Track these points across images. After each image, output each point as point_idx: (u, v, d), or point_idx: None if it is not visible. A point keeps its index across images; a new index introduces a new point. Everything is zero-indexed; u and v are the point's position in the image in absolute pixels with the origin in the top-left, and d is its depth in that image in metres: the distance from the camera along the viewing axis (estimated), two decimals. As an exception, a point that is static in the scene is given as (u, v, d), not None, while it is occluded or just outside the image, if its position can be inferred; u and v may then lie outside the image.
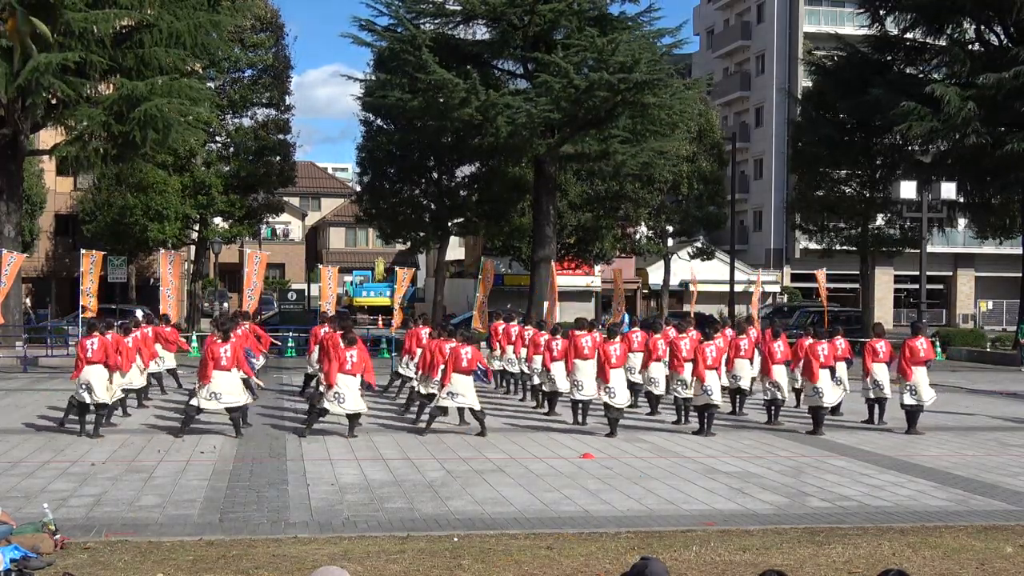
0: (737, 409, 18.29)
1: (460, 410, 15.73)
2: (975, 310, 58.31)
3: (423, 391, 16.50)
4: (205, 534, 9.04)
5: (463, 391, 15.12)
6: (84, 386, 14.51)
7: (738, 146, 54.04)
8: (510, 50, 32.03)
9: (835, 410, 17.69)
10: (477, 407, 15.34)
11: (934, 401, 16.72)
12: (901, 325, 54.19)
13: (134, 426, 15.72)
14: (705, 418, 15.85)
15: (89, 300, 25.75)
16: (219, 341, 14.69)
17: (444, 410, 15.47)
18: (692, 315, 27.63)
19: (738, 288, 43.26)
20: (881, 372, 16.95)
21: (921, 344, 16.63)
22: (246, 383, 16.61)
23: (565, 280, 40.30)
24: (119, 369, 15.12)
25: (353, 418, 15.03)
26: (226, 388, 14.57)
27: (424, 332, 18.26)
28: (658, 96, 30.05)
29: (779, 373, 17.04)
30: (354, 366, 14.81)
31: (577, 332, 16.61)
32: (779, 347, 17.30)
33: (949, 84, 34.29)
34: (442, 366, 15.50)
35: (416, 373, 17.32)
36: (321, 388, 15.46)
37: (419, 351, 17.29)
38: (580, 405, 16.54)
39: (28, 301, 39.98)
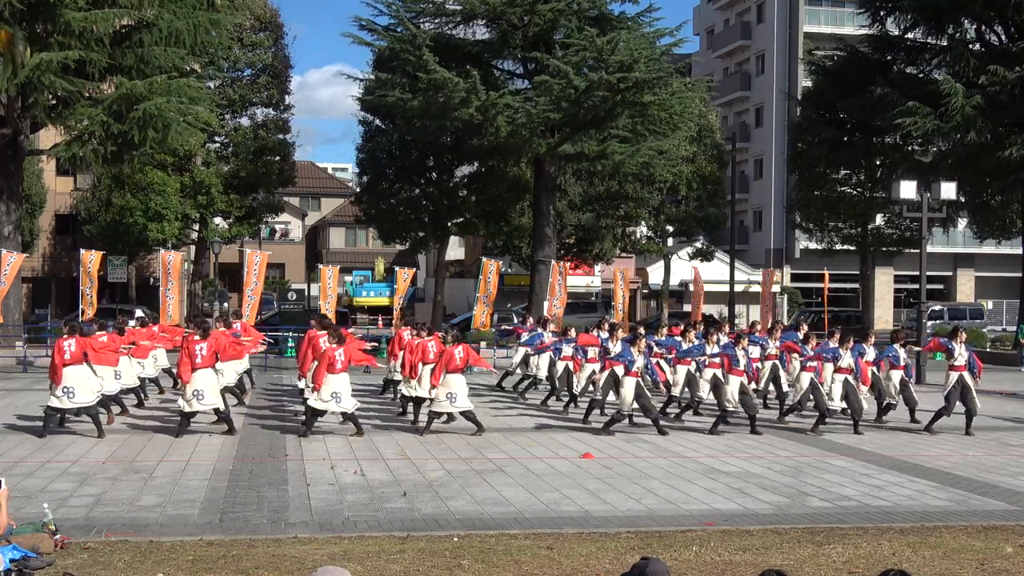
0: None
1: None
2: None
3: (406, 393, 16.50)
4: (205, 534, 9.03)
5: (457, 391, 15.07)
6: (65, 390, 13.93)
7: (738, 146, 54.00)
8: (510, 50, 32.05)
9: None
10: (470, 408, 15.29)
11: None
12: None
13: (134, 426, 15.72)
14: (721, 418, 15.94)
15: (89, 301, 25.72)
16: (197, 339, 14.52)
17: (440, 415, 15.28)
18: (703, 316, 27.55)
19: (738, 288, 43.25)
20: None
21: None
22: (232, 389, 16.64)
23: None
24: (103, 364, 14.89)
25: (353, 418, 15.00)
26: (206, 386, 14.41)
27: (406, 334, 18.10)
28: (657, 95, 30.07)
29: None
30: (343, 364, 14.71)
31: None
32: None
33: (953, 81, 34.31)
34: (431, 366, 15.46)
35: (401, 375, 17.32)
36: (307, 391, 15.34)
37: (401, 353, 17.27)
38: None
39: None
